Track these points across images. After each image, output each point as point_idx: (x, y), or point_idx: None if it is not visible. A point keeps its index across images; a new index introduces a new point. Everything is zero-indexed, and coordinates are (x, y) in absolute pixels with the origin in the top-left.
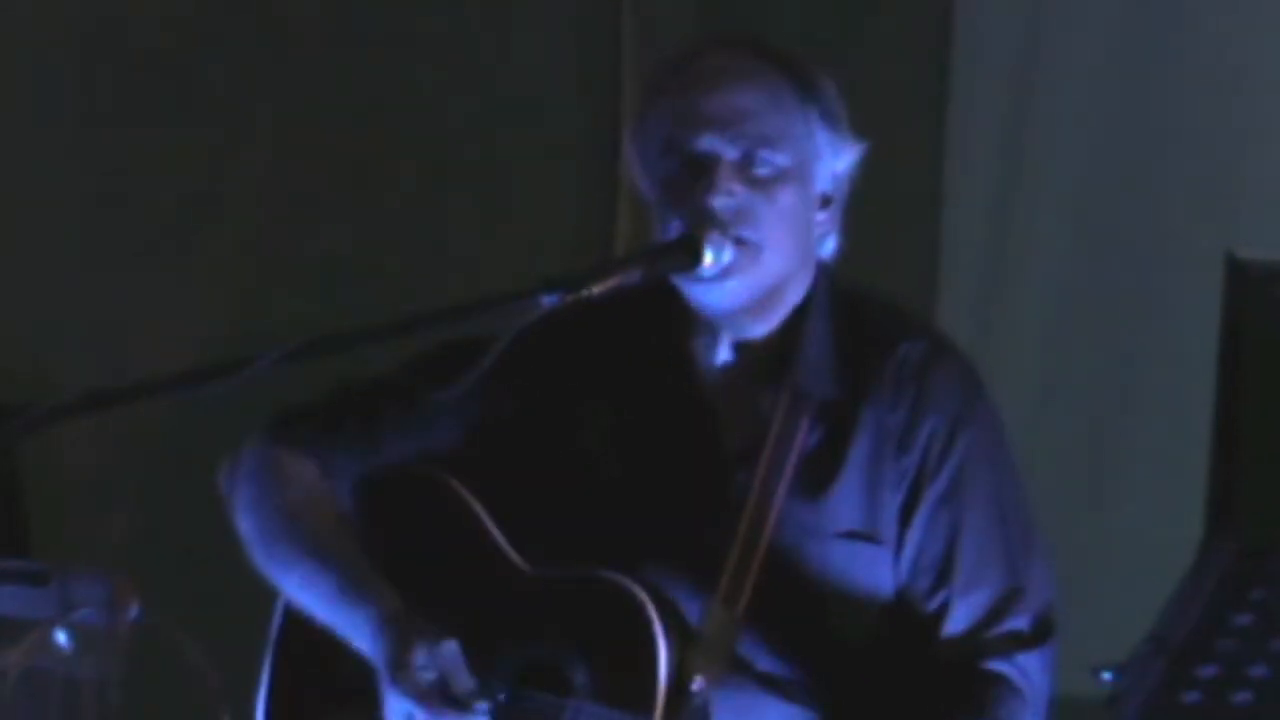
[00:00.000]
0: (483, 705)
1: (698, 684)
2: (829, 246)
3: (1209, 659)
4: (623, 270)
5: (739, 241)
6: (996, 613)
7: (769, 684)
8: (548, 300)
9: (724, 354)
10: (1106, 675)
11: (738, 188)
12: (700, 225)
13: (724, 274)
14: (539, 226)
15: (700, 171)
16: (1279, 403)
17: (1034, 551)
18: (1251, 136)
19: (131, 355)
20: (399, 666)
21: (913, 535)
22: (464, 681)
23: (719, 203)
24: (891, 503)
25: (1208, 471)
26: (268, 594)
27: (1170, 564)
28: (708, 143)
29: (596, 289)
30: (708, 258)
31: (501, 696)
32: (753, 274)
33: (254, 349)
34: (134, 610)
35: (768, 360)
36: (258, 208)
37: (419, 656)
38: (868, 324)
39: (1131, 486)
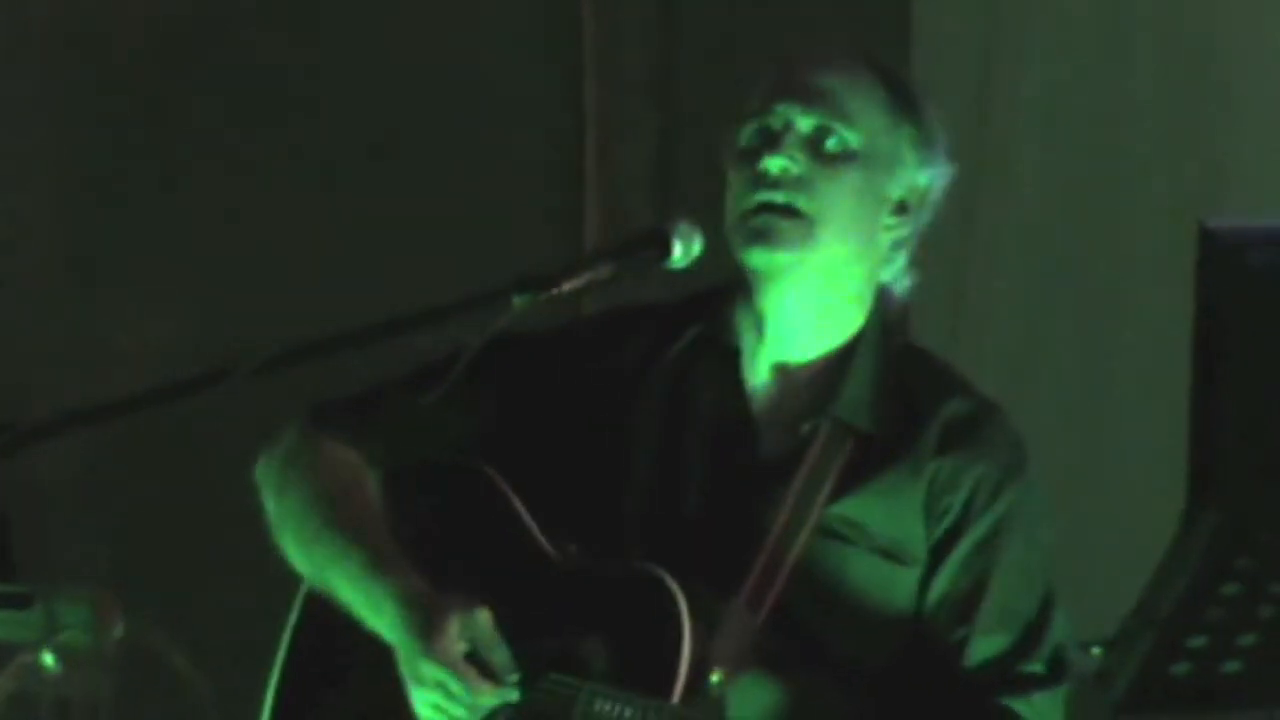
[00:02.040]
0: (516, 677)
1: (716, 678)
2: (898, 265)
3: (1197, 629)
4: (593, 266)
5: (794, 211)
6: (1013, 656)
7: (783, 679)
8: (518, 299)
9: (769, 365)
10: (1095, 650)
11: (801, 156)
12: (755, 185)
13: (775, 243)
14: (507, 227)
15: (771, 138)
16: (1255, 370)
17: (1053, 606)
18: (1221, 108)
19: (112, 371)
20: (432, 634)
21: (943, 573)
22: (499, 651)
23: (777, 165)
24: (920, 535)
25: (1187, 442)
26: (254, 606)
27: (1155, 537)
28: (783, 110)
29: (567, 286)
30: (676, 249)
31: (517, 678)
32: (805, 250)
33: (230, 361)
34: (119, 628)
35: (812, 382)
36: (234, 219)
37: (453, 626)
38: (918, 376)
39: (1113, 461)
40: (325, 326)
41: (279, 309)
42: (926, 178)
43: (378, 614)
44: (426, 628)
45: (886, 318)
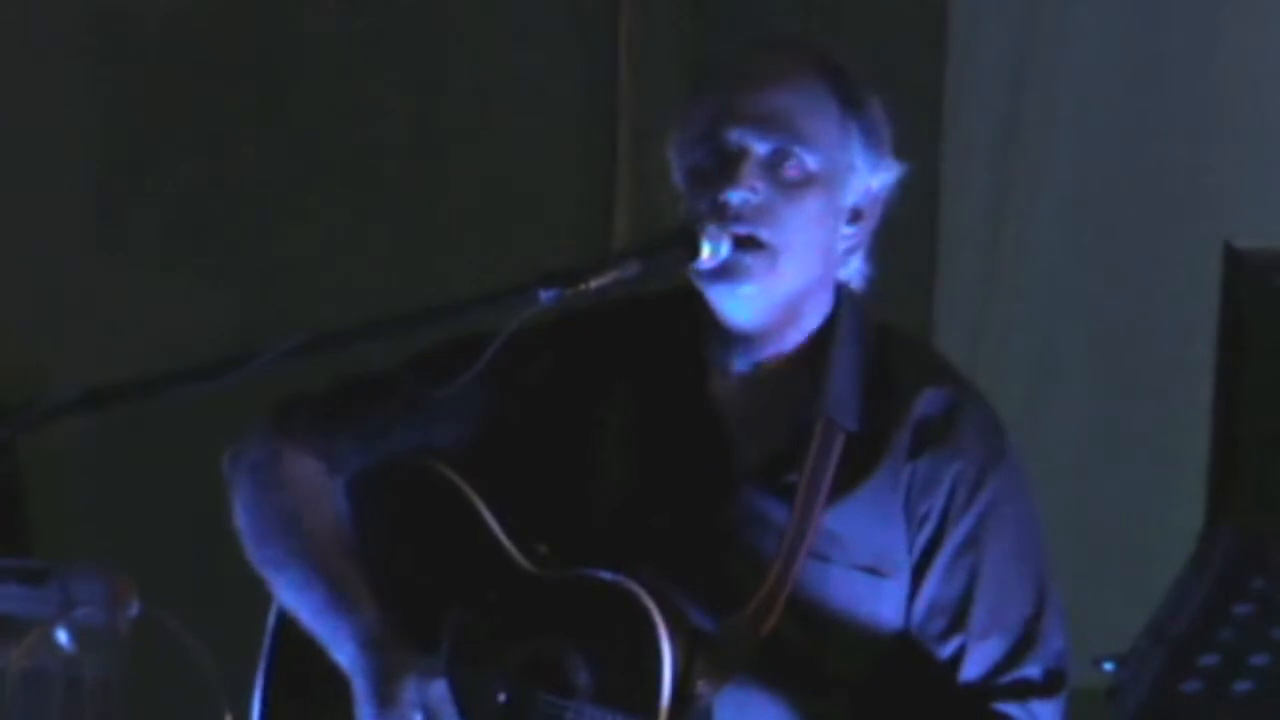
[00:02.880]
0: None
1: (702, 688)
2: (853, 266)
3: (1210, 648)
4: (620, 264)
5: (756, 243)
6: (1010, 661)
7: (773, 689)
8: (546, 295)
9: (739, 368)
10: (1107, 665)
11: (761, 185)
12: (715, 217)
13: (738, 278)
14: (537, 222)
15: (727, 165)
16: (1277, 391)
17: (1049, 602)
18: (1247, 129)
19: (131, 352)
20: (386, 699)
21: (931, 577)
22: None
23: (738, 197)
24: (899, 541)
25: (1208, 460)
26: (268, 590)
27: (1171, 554)
28: (739, 136)
29: (594, 283)
30: (705, 251)
31: (502, 697)
32: (769, 280)
33: (254, 346)
34: (134, 608)
35: (787, 382)
36: (257, 206)
37: (409, 692)
38: (895, 363)
39: (1132, 476)
40: (350, 315)
41: (304, 298)
42: (878, 181)
43: (339, 651)
44: (382, 686)
45: (858, 308)
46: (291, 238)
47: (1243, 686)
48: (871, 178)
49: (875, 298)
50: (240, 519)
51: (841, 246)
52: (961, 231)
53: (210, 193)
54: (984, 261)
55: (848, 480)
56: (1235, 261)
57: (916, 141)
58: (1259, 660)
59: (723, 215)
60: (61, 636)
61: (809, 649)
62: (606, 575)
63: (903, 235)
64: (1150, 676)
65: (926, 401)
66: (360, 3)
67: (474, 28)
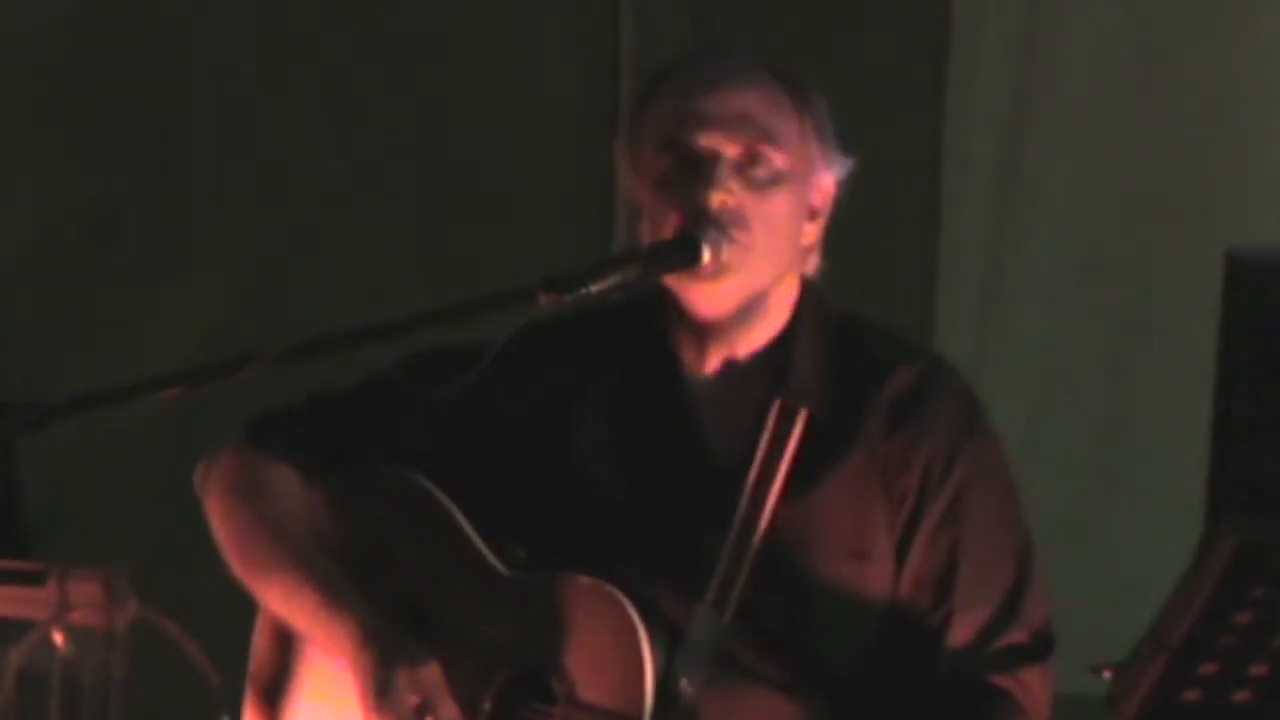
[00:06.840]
0: None
1: (685, 687)
2: (813, 262)
3: (1209, 657)
4: (621, 269)
5: (732, 241)
6: (996, 628)
7: (758, 680)
8: (546, 299)
9: (711, 365)
10: (1106, 673)
11: (735, 187)
12: (698, 223)
13: (719, 273)
14: (537, 226)
15: (699, 169)
16: (1277, 398)
17: (1031, 567)
18: (1249, 133)
19: (131, 355)
20: (382, 690)
21: (914, 554)
22: (446, 706)
23: (718, 201)
24: (881, 522)
25: (1208, 468)
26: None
27: (1170, 561)
28: (708, 140)
29: (595, 288)
30: (706, 255)
31: (486, 706)
32: (743, 275)
33: (252, 349)
34: (132, 609)
35: (756, 375)
36: (255, 208)
37: (401, 679)
38: (863, 347)
39: (1132, 482)
40: (351, 317)
41: (303, 300)
42: (831, 177)
43: (337, 650)
44: (377, 678)
45: (820, 300)
46: (293, 241)
47: (1242, 696)
48: (827, 174)
49: (876, 301)
50: (219, 531)
51: (804, 243)
52: (963, 235)
53: (210, 194)
54: (986, 265)
55: (825, 465)
56: (1236, 266)
57: (918, 145)
58: (1258, 670)
59: (701, 220)
60: (58, 638)
61: (795, 639)
62: (585, 578)
63: (904, 239)
64: (1149, 685)
65: (898, 379)
66: (357, 3)
67: (473, 28)
